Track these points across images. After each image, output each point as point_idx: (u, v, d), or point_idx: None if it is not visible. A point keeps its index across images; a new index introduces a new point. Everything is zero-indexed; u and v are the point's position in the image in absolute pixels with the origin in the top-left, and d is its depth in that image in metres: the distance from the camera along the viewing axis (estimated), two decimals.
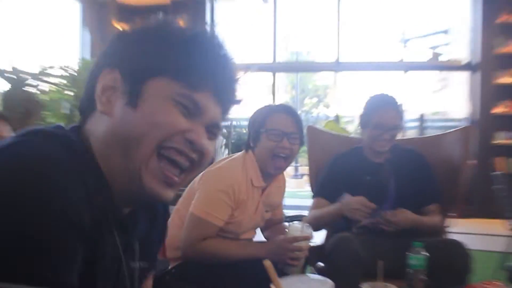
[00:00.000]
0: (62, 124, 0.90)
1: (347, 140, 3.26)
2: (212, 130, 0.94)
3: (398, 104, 2.63)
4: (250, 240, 2.29)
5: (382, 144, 2.60)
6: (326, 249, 2.37)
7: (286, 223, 2.30)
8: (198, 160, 0.92)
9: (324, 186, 2.70)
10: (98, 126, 0.89)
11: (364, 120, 2.67)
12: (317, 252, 2.51)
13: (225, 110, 0.95)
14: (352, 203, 2.37)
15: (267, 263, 1.29)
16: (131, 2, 9.27)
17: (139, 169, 0.85)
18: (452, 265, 2.13)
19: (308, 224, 2.12)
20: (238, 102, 0.97)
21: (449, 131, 3.06)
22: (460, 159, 2.82)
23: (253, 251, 2.03)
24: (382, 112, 2.59)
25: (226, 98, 0.95)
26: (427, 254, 1.90)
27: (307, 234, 2.07)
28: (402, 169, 2.62)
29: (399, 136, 2.71)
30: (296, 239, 2.00)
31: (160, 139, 0.86)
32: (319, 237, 2.57)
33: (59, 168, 0.74)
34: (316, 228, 2.47)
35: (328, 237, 2.53)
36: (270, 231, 2.44)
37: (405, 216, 2.41)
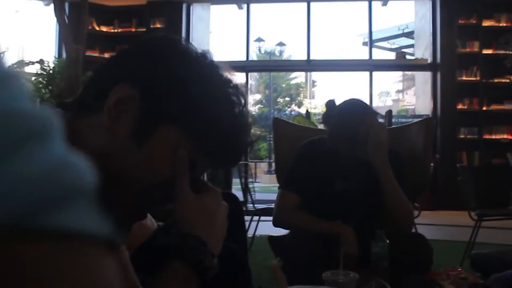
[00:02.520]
0: None
1: (315, 132, 3.02)
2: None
3: (373, 112, 2.38)
4: None
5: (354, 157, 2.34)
6: (285, 241, 2.29)
7: None
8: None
9: (293, 179, 2.43)
10: (93, 135, 0.77)
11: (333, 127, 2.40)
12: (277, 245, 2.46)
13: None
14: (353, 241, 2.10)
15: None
16: (106, 2, 9.19)
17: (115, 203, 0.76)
18: (414, 256, 2.05)
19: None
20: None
21: (410, 123, 3.09)
22: (422, 149, 2.81)
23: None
24: (345, 113, 2.34)
25: (226, 161, 0.89)
26: (388, 242, 1.84)
27: None
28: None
29: None
30: None
31: (149, 186, 0.77)
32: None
33: None
34: (288, 228, 2.41)
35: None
36: None
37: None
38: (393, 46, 15.36)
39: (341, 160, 2.34)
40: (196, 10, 9.76)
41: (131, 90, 0.76)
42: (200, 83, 0.80)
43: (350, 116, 2.27)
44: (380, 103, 24.92)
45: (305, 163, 2.42)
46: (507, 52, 7.23)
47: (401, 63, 10.64)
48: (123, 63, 0.82)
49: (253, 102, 22.16)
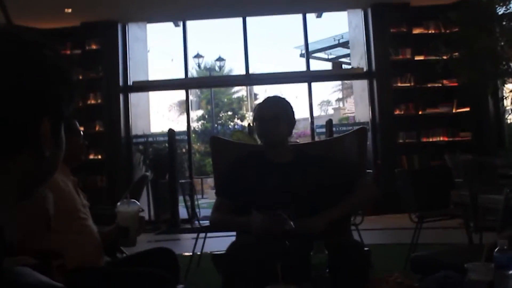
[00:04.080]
0: None
1: (251, 145, 3.24)
2: None
3: (281, 99, 2.70)
4: None
5: (266, 135, 2.64)
6: (224, 258, 2.34)
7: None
8: None
9: (225, 186, 2.68)
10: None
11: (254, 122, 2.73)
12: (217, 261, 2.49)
13: None
14: (262, 227, 2.22)
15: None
16: (38, 25, 8.93)
17: None
18: (351, 264, 2.10)
19: (133, 200, 2.35)
20: None
21: (345, 133, 3.16)
22: (357, 158, 2.88)
23: None
24: (262, 105, 2.68)
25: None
26: (326, 252, 1.86)
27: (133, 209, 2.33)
28: (308, 169, 2.60)
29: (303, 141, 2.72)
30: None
31: None
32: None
33: None
34: (221, 230, 2.52)
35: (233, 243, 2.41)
36: None
37: (315, 224, 2.33)
38: (330, 56, 15.62)
39: (266, 161, 2.63)
40: (132, 30, 9.63)
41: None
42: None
43: (264, 109, 2.63)
44: (321, 113, 25.27)
45: (234, 170, 2.67)
46: (437, 57, 7.46)
47: (339, 73, 10.86)
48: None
49: (196, 118, 22.04)
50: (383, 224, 7.35)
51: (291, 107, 2.70)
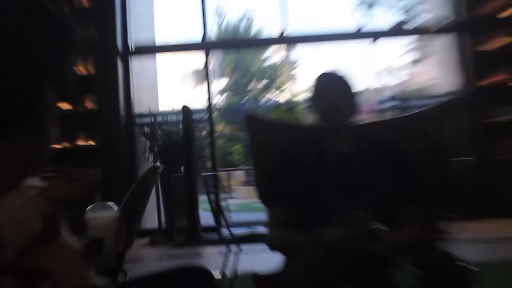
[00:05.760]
0: None
1: (299, 128, 3.21)
2: None
3: (344, 75, 2.76)
4: None
5: (329, 116, 2.69)
6: (277, 281, 2.38)
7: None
8: None
9: (276, 190, 2.70)
10: None
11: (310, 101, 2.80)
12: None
13: None
14: (343, 236, 2.22)
15: None
16: None
17: None
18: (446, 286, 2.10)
19: (109, 203, 2.27)
20: None
21: (426, 108, 3.10)
22: (444, 144, 2.90)
23: None
24: (322, 80, 2.76)
25: None
26: (419, 273, 1.90)
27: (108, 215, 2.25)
28: (368, 161, 2.65)
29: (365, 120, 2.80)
30: None
31: None
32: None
33: None
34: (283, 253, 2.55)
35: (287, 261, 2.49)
36: None
37: (410, 233, 2.39)
38: (399, 6, 15.45)
39: (327, 149, 2.69)
40: None
41: None
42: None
43: (326, 84, 2.73)
44: (385, 82, 25.00)
45: (286, 164, 2.71)
46: None
47: (412, 28, 10.66)
48: None
49: (218, 91, 21.81)
50: (483, 231, 7.14)
51: (355, 83, 2.77)
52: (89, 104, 8.99)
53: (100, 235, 2.25)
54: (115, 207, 2.32)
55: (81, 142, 8.85)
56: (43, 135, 0.78)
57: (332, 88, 2.70)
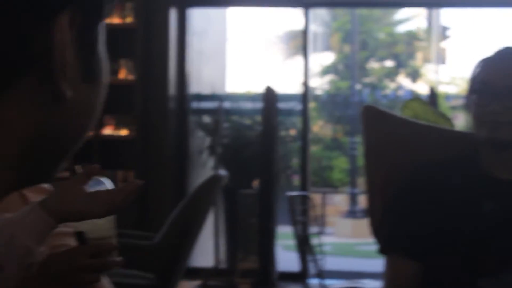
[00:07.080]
0: None
1: (449, 137, 3.19)
2: None
3: None
4: None
5: (492, 118, 2.63)
6: None
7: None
8: None
9: (403, 229, 2.75)
10: None
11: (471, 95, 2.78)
12: None
13: None
14: None
15: None
16: None
17: None
18: None
19: (101, 179, 2.36)
20: None
21: None
22: None
23: None
24: (496, 64, 2.72)
25: None
26: None
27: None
28: None
29: None
30: None
31: None
32: None
33: None
34: None
35: None
36: None
37: None
38: None
39: (488, 182, 2.70)
40: None
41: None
42: None
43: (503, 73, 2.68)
44: None
45: (422, 198, 2.74)
46: None
47: None
48: None
49: (320, 71, 21.07)
50: None
51: None
52: (123, 74, 8.55)
53: (83, 227, 2.28)
54: (107, 182, 2.37)
55: (108, 131, 8.51)
56: (57, 96, 0.66)
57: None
